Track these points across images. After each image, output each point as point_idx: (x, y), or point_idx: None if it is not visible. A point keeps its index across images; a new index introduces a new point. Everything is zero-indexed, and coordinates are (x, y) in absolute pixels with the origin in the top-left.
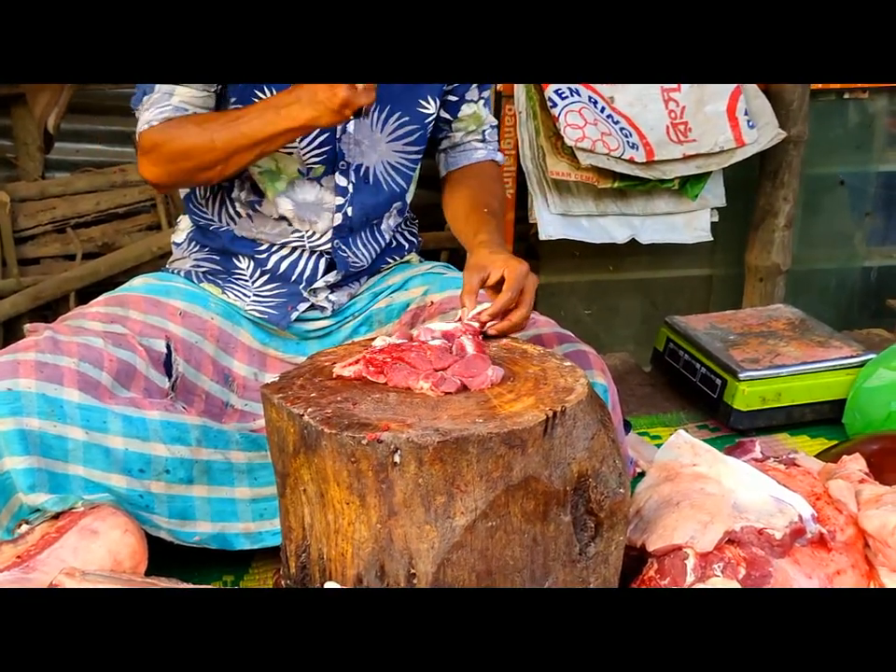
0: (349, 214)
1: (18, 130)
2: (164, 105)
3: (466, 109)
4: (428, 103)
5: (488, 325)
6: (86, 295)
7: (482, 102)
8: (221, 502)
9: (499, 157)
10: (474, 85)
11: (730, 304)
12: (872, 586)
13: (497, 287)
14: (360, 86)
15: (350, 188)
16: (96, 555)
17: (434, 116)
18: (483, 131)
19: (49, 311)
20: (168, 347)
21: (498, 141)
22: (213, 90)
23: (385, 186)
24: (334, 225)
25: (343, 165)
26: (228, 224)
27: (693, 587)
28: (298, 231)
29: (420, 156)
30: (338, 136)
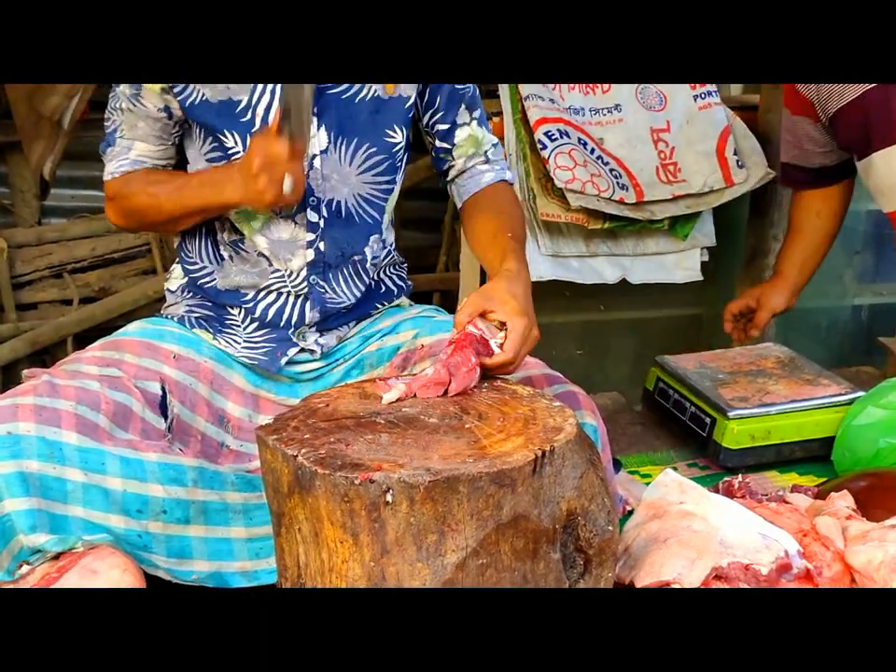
0: (321, 249)
1: (14, 177)
2: (123, 159)
3: (460, 133)
4: (395, 132)
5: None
6: (83, 339)
7: (475, 123)
8: (218, 542)
9: (509, 175)
10: (462, 108)
11: (720, 343)
12: None
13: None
14: (287, 188)
15: (322, 223)
16: None
17: (403, 145)
18: (486, 151)
19: (46, 355)
20: (163, 389)
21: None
22: (169, 142)
23: (357, 219)
24: (308, 261)
25: (313, 201)
26: (214, 266)
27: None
28: (277, 270)
29: (392, 186)
30: (305, 173)
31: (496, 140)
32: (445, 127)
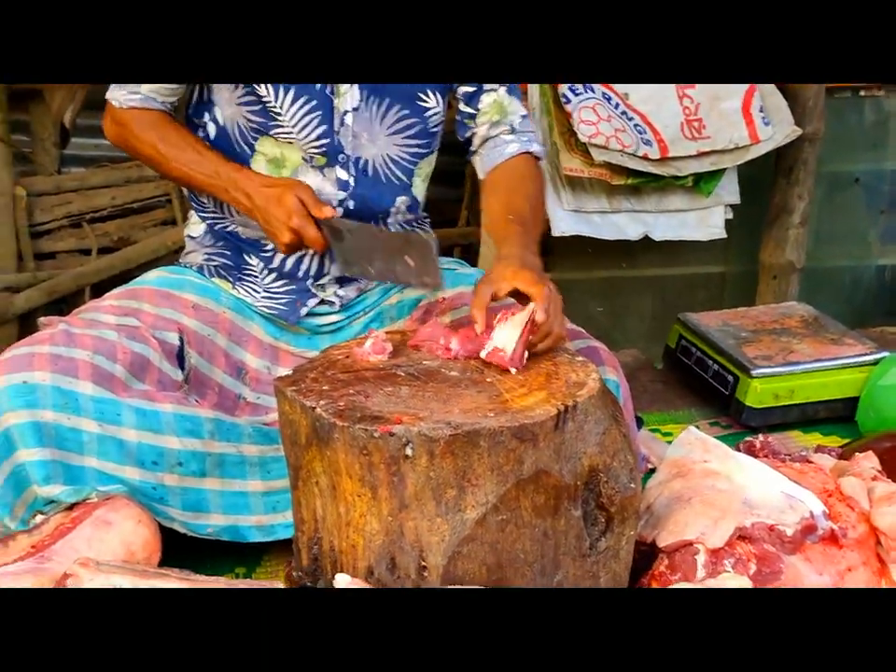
0: (350, 207)
1: (35, 125)
2: (134, 93)
3: (486, 99)
4: (428, 97)
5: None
6: (101, 290)
7: (503, 90)
8: (234, 495)
9: (536, 147)
10: None
11: (743, 302)
12: (883, 583)
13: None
14: (311, 239)
15: (351, 181)
16: (110, 546)
17: (438, 111)
18: (511, 121)
19: (64, 305)
20: (181, 340)
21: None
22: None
23: (384, 179)
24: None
25: (342, 158)
26: (232, 217)
27: (705, 584)
28: None
29: (425, 151)
30: (336, 130)
31: (525, 112)
32: (471, 90)
